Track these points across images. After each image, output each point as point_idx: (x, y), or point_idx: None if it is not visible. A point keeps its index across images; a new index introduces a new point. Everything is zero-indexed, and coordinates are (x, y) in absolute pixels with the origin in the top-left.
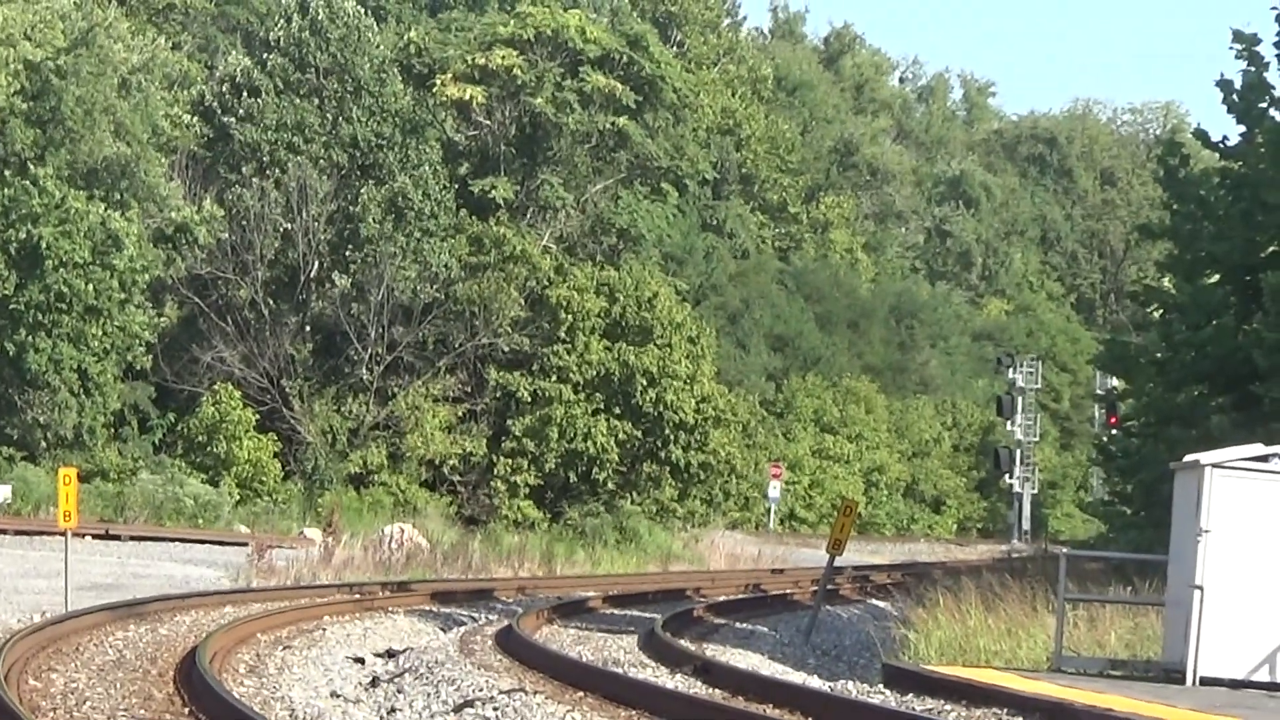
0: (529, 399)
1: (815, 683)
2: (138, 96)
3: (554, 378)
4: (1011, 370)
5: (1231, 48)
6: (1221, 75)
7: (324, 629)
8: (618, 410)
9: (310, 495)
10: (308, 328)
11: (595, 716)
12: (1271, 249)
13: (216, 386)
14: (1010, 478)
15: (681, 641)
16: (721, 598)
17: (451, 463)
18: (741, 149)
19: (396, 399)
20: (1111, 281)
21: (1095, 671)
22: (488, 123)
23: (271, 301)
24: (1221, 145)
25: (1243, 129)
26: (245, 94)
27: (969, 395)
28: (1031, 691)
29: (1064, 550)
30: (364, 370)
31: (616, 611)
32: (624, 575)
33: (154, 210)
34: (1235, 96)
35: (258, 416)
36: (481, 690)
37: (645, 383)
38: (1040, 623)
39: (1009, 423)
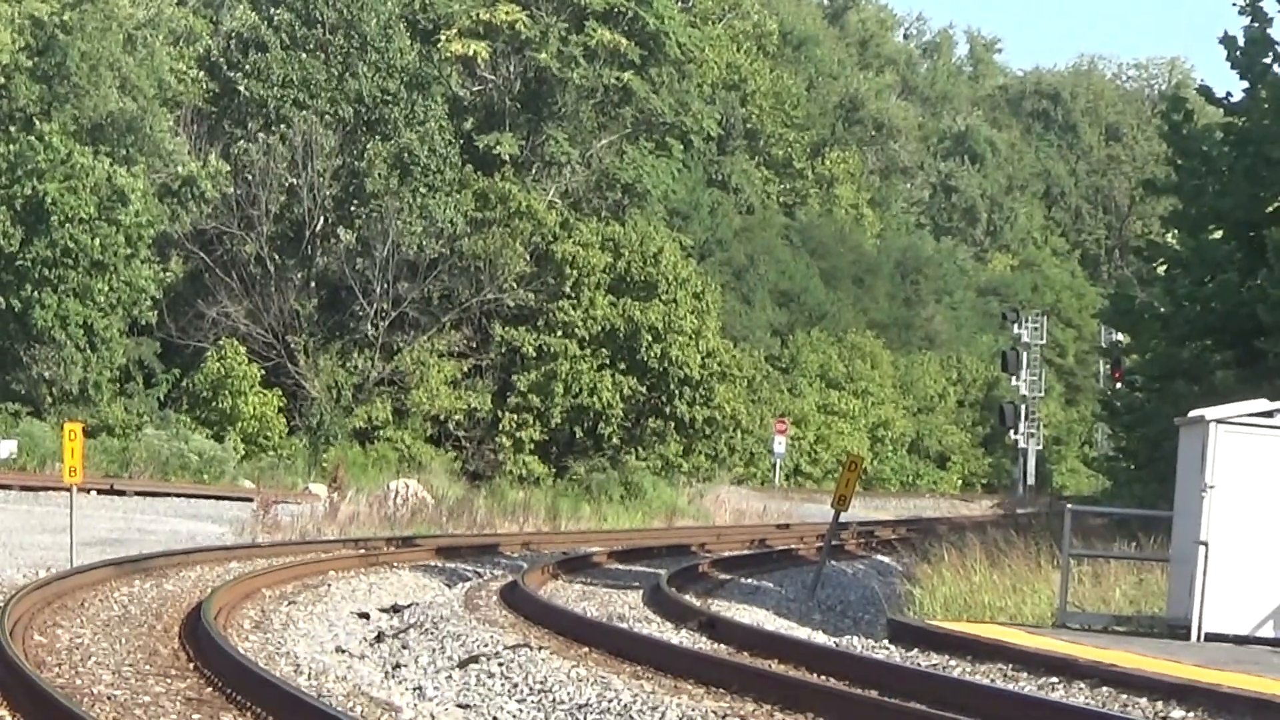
0: (534, 354)
1: (820, 638)
2: (143, 52)
3: (559, 333)
4: (1016, 325)
5: (1235, 3)
6: (1225, 31)
7: (329, 584)
8: (623, 365)
9: (315, 450)
10: (313, 283)
11: (600, 671)
12: (1276, 204)
13: (222, 342)
14: (1015, 433)
15: (687, 597)
16: (726, 553)
17: (456, 418)
18: (747, 104)
19: (401, 354)
20: (1116, 237)
21: (1100, 627)
22: (493, 78)
23: (277, 257)
24: (1225, 101)
25: (1246, 84)
26: (251, 49)
27: (974, 350)
28: (1036, 647)
29: (1069, 506)
30: (369, 326)
31: (621, 567)
32: (629, 531)
33: (159, 165)
34: (1239, 52)
35: (263, 372)
36: (486, 645)
37: (650, 338)
38: (1045, 578)
39: (1014, 378)
